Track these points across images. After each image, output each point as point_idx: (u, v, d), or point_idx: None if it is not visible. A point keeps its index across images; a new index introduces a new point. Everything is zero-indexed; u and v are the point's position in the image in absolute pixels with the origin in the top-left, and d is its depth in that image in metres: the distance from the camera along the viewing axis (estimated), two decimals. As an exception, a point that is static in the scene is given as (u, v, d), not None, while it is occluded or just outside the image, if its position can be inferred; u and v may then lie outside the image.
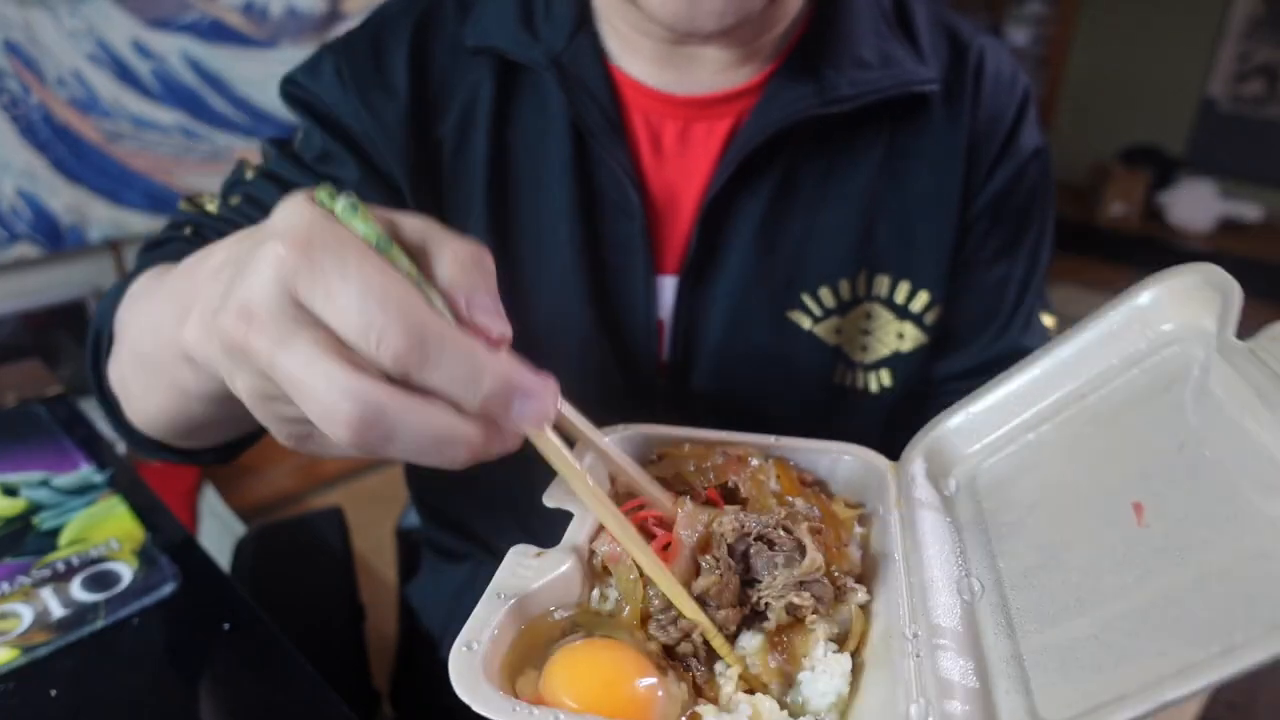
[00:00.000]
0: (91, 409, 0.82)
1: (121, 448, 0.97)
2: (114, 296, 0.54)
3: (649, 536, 0.42)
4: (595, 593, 0.41)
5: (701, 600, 0.40)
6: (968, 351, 0.68)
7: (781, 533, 0.42)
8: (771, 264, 0.62)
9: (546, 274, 0.62)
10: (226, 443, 0.57)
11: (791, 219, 0.62)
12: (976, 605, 0.40)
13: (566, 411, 0.39)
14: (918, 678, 0.36)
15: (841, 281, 0.63)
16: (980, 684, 0.36)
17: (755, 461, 0.47)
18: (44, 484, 0.70)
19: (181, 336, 0.37)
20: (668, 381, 0.65)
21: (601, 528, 0.43)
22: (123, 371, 0.52)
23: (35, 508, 0.67)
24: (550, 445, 0.35)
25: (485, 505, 0.74)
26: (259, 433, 0.59)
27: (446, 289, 0.32)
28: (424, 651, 0.83)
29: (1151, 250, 3.63)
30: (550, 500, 0.44)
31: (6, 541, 0.63)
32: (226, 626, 0.57)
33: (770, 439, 0.50)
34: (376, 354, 0.29)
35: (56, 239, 1.68)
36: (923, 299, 0.64)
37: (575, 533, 0.42)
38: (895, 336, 0.65)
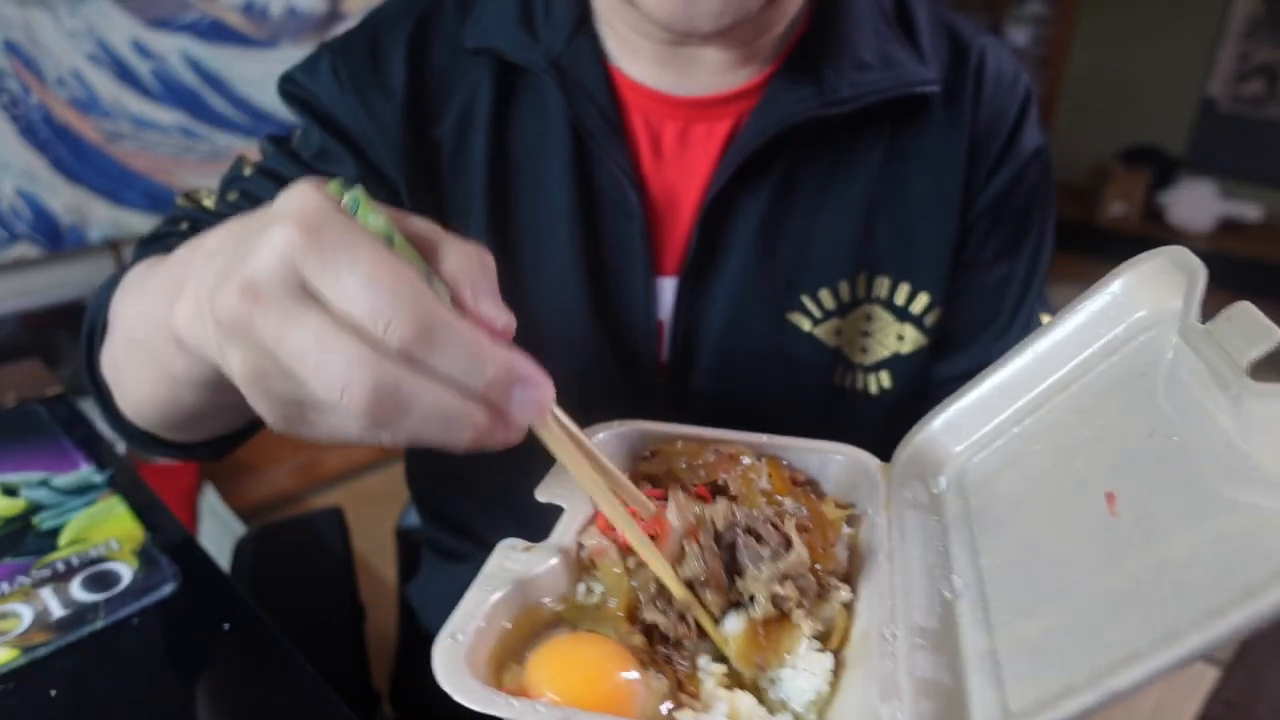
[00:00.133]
0: (91, 409, 0.82)
1: (121, 447, 0.97)
2: (109, 287, 0.54)
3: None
4: (581, 587, 0.42)
5: (690, 584, 0.40)
6: (968, 353, 0.68)
7: (770, 528, 0.42)
8: (771, 265, 0.62)
9: (546, 275, 0.62)
10: (219, 438, 0.57)
11: (791, 220, 0.62)
12: (957, 603, 0.41)
13: (555, 412, 0.39)
14: (893, 677, 0.36)
15: (841, 283, 0.63)
16: (955, 681, 0.37)
17: (747, 460, 0.47)
18: (44, 484, 0.70)
19: (172, 318, 0.37)
20: (667, 382, 0.65)
21: (590, 522, 0.44)
22: (115, 360, 0.52)
23: (35, 508, 0.67)
24: (552, 434, 0.36)
25: (485, 505, 0.74)
26: (249, 430, 0.59)
27: (451, 281, 0.32)
28: (424, 651, 0.83)
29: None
30: (542, 495, 0.45)
31: (6, 541, 0.63)
32: (226, 626, 0.57)
33: (763, 438, 0.51)
34: (384, 339, 0.29)
35: (56, 239, 1.68)
36: (923, 301, 0.64)
37: (564, 528, 0.43)
38: (895, 338, 0.65)
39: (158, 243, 0.58)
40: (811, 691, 0.38)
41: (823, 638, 0.41)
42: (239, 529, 1.67)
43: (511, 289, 0.62)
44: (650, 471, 0.48)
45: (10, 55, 1.55)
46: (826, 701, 0.38)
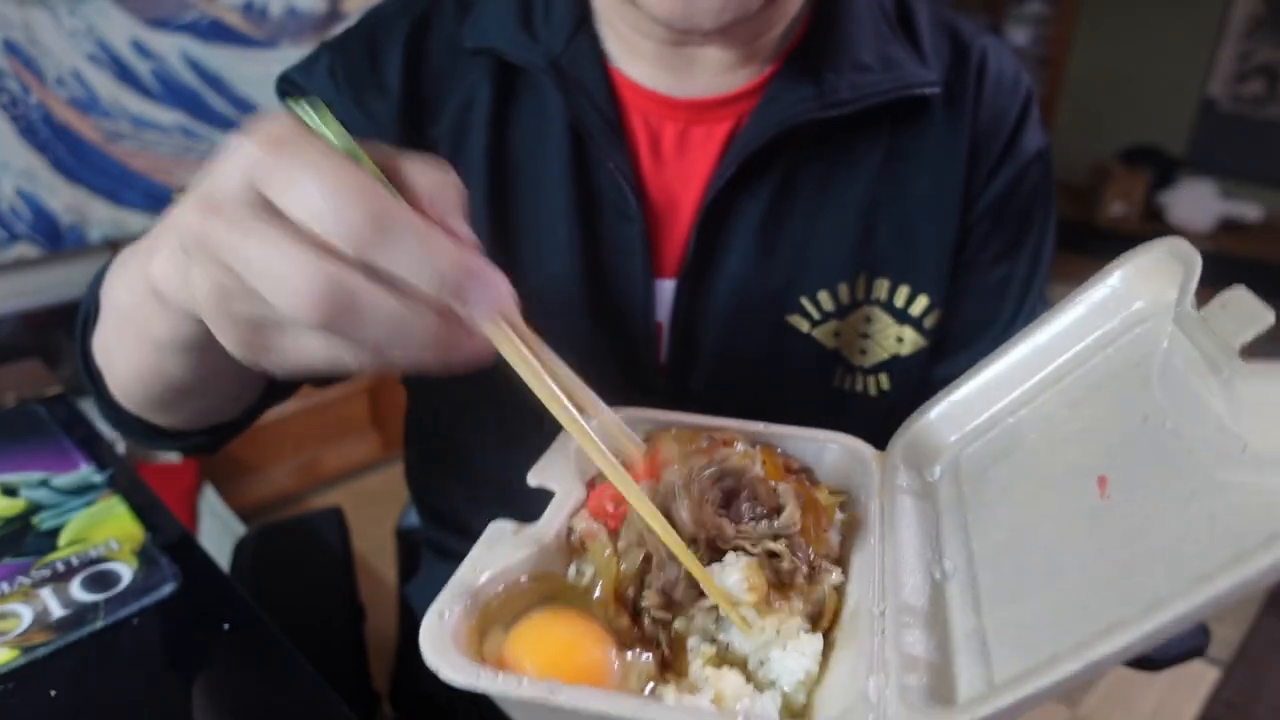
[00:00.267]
0: (91, 409, 0.82)
1: (121, 447, 0.97)
2: (102, 275, 0.54)
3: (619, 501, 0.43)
4: (572, 569, 0.42)
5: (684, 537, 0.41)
6: (969, 354, 0.68)
7: (763, 489, 0.43)
8: (770, 267, 0.62)
9: (545, 276, 0.62)
10: (212, 427, 0.57)
11: (791, 222, 0.62)
12: (947, 585, 0.41)
13: (561, 370, 0.40)
14: (880, 653, 0.36)
15: (841, 285, 0.63)
16: (942, 658, 0.37)
17: (740, 446, 0.48)
18: (43, 484, 0.70)
19: (149, 270, 0.38)
20: (666, 384, 0.65)
21: (581, 506, 0.44)
22: (104, 339, 0.52)
23: (35, 508, 0.67)
24: (509, 343, 0.35)
25: (485, 506, 0.74)
26: (242, 421, 0.59)
27: (414, 199, 0.32)
28: (424, 652, 0.83)
29: (1151, 250, 3.63)
30: (534, 479, 0.45)
31: (6, 541, 0.63)
32: (226, 626, 0.57)
33: (759, 425, 0.51)
34: (337, 234, 0.29)
35: (56, 239, 1.68)
36: (922, 303, 0.64)
37: (555, 510, 0.43)
38: (895, 340, 0.65)
39: None
40: (801, 672, 0.38)
41: (813, 619, 0.41)
42: (239, 529, 1.67)
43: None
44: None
45: (10, 55, 1.55)
46: (815, 681, 0.39)
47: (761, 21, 0.58)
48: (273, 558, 0.92)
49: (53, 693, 0.51)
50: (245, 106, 1.88)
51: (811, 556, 0.42)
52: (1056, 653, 0.30)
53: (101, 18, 1.64)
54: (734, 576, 0.40)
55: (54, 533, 0.64)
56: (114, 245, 1.76)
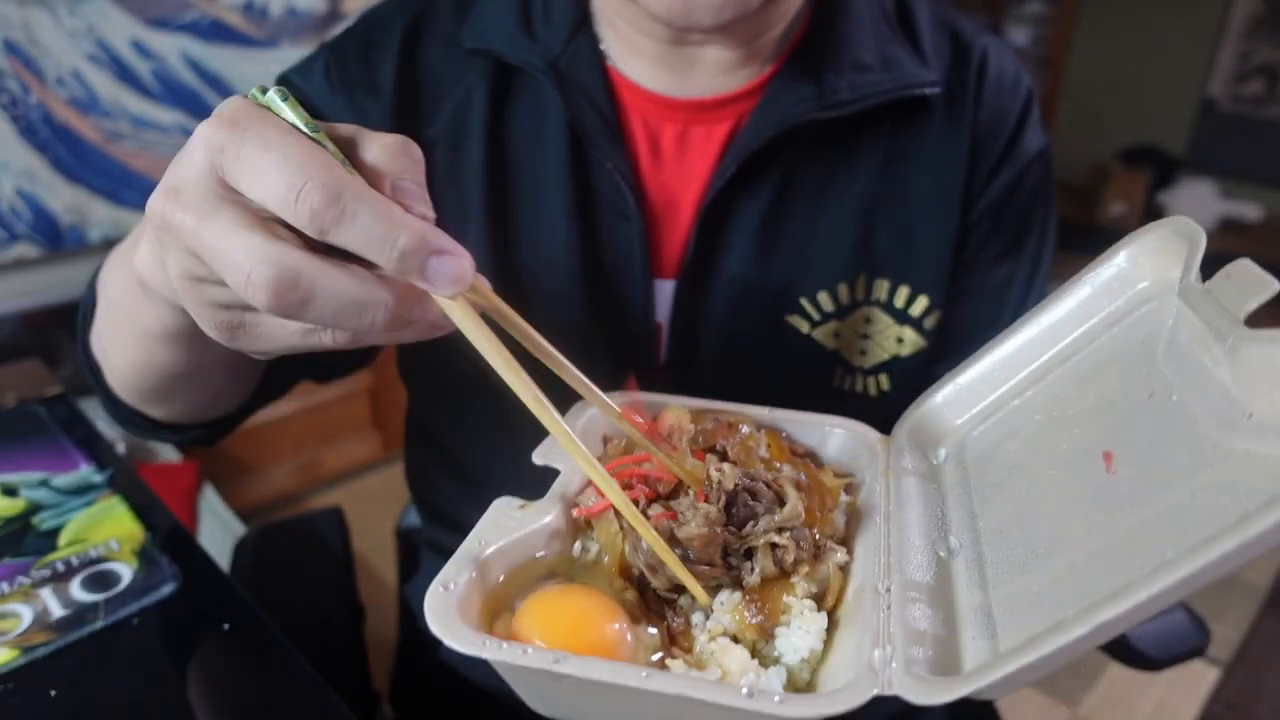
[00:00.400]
0: (91, 409, 0.82)
1: (121, 447, 0.97)
2: (100, 268, 0.55)
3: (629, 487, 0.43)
4: (577, 545, 0.42)
5: (678, 546, 0.41)
6: (969, 354, 0.68)
7: (763, 486, 0.43)
8: (770, 268, 0.62)
9: (545, 276, 0.62)
10: (211, 420, 0.57)
11: (790, 223, 0.62)
12: (952, 561, 0.41)
13: (553, 353, 0.40)
14: (885, 626, 0.36)
15: (840, 285, 0.63)
16: (948, 632, 0.37)
17: (746, 429, 0.48)
18: (44, 484, 0.70)
19: (134, 260, 0.38)
20: (666, 384, 0.64)
21: (587, 483, 0.44)
22: (100, 332, 0.53)
23: (35, 508, 0.67)
24: (468, 319, 0.34)
25: (485, 505, 0.74)
26: (239, 414, 0.59)
27: (371, 172, 0.32)
28: (424, 651, 0.83)
29: (1151, 250, 3.63)
30: (539, 458, 0.45)
31: (6, 541, 0.63)
32: (226, 626, 0.57)
33: (764, 410, 0.51)
34: (294, 211, 0.29)
35: (56, 239, 1.68)
36: (922, 303, 0.64)
37: (561, 486, 0.43)
38: (894, 341, 0.65)
39: None
40: (805, 649, 0.38)
41: (818, 598, 0.41)
42: (239, 529, 1.66)
43: (509, 290, 0.62)
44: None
45: (10, 55, 1.55)
46: (819, 659, 0.39)
47: (761, 20, 0.58)
48: (273, 558, 0.92)
49: (53, 693, 0.51)
50: (245, 106, 1.87)
51: (816, 538, 0.42)
52: (1062, 619, 0.30)
53: (101, 18, 1.64)
54: (725, 619, 0.40)
55: (54, 533, 0.64)
56: (114, 245, 1.76)
